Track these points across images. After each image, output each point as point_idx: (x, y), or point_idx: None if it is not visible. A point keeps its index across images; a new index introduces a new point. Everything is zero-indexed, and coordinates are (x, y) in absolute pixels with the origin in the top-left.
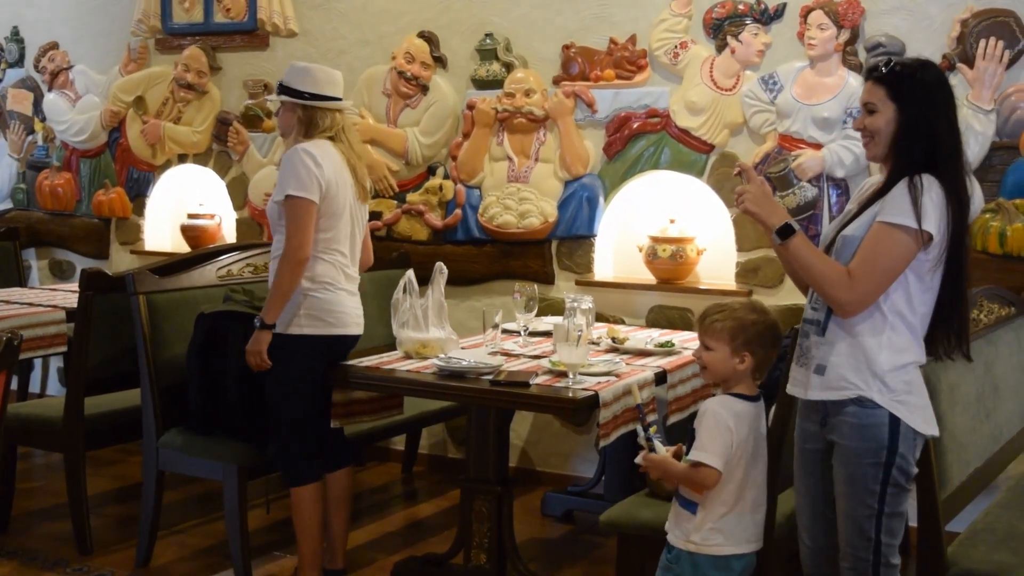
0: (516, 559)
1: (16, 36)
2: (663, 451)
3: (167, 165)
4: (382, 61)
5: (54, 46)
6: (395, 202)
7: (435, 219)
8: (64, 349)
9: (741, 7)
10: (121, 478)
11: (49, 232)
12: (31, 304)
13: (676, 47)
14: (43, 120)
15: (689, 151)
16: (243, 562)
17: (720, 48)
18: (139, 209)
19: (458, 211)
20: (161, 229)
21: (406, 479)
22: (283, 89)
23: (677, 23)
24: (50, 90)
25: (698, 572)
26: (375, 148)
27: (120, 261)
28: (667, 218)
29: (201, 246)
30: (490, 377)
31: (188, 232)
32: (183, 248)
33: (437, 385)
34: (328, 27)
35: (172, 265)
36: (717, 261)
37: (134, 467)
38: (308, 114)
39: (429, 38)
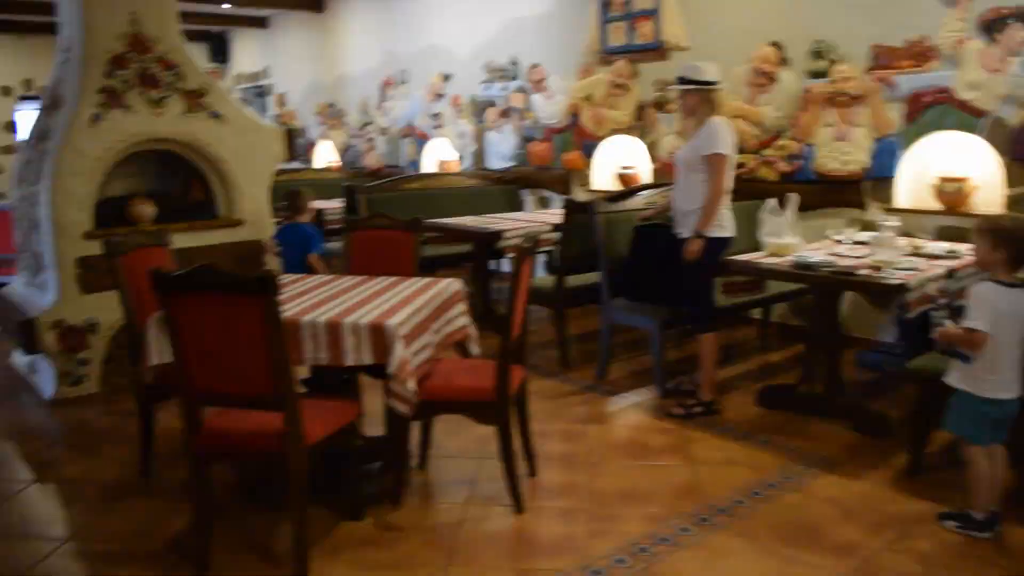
0: (841, 390)
1: (514, 61)
2: (949, 325)
3: (606, 136)
4: (744, 62)
5: (537, 65)
6: (755, 155)
7: (783, 166)
8: (550, 248)
9: (1005, 10)
10: (585, 327)
11: (535, 179)
12: (530, 221)
13: (957, 42)
14: (531, 111)
15: (968, 116)
16: (662, 380)
17: (990, 41)
18: (589, 164)
19: (799, 162)
20: (603, 176)
21: (762, 337)
22: (687, 81)
23: (958, 25)
24: (535, 92)
25: (971, 407)
26: (741, 120)
27: (578, 197)
28: (950, 164)
29: (627, 186)
30: (829, 269)
31: (620, 177)
32: (615, 188)
33: (793, 273)
34: (708, 42)
35: (616, 195)
36: (988, 196)
37: (593, 320)
38: (713, 96)
39: (777, 45)
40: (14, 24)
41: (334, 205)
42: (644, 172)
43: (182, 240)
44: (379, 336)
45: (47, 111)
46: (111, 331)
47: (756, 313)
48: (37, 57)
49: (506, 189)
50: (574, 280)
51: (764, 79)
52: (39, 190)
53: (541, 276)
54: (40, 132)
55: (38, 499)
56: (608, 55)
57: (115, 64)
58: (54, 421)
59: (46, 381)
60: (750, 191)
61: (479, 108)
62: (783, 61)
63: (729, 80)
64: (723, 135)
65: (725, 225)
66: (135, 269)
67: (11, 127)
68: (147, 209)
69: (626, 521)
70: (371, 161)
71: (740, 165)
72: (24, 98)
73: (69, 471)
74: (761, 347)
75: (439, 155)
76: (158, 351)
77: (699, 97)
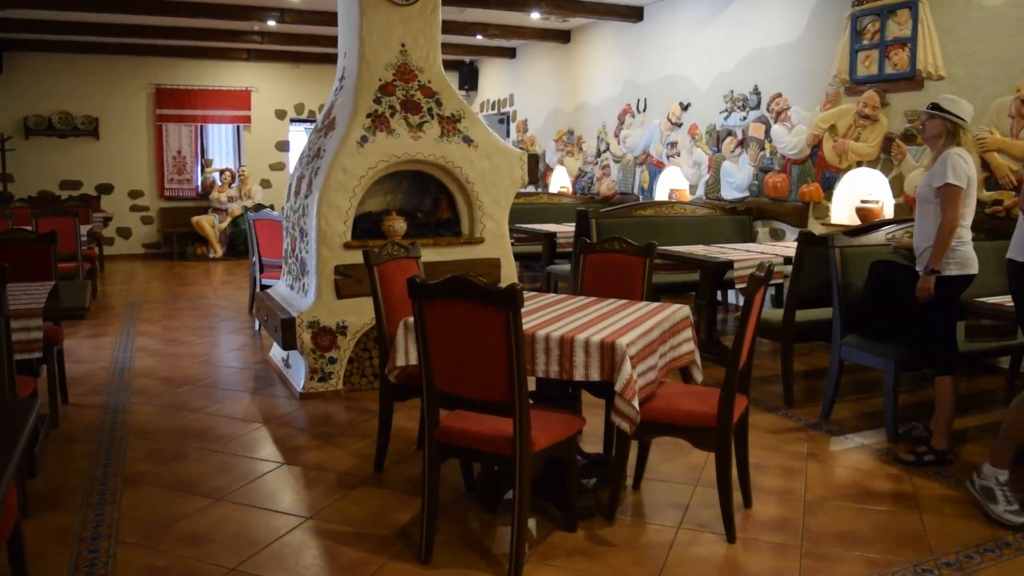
0: None
1: (756, 91)
2: None
3: (848, 168)
4: (1008, 93)
5: (779, 95)
6: (1013, 193)
7: None
8: (780, 281)
9: None
10: (812, 364)
11: (770, 210)
12: (761, 252)
13: None
14: (770, 141)
15: None
16: (892, 423)
17: None
18: (828, 196)
19: None
20: (842, 210)
21: (1008, 389)
22: (937, 107)
23: None
24: (775, 122)
25: None
26: (1000, 155)
27: (814, 230)
28: None
29: (868, 221)
30: None
31: (860, 212)
32: (854, 222)
33: None
34: (968, 72)
35: (856, 230)
36: None
37: (820, 357)
38: (958, 132)
39: None
40: (289, 54)
41: (566, 229)
42: (887, 207)
43: (428, 255)
44: (609, 354)
45: (322, 132)
46: (357, 334)
47: (1004, 362)
48: (307, 83)
49: (738, 219)
50: (803, 315)
51: None
52: (309, 203)
53: (768, 309)
54: (314, 150)
55: (285, 479)
56: (856, 85)
57: (383, 91)
58: (302, 412)
59: (298, 375)
60: (1006, 231)
61: (717, 138)
62: None
63: (990, 112)
64: (958, 166)
65: (964, 262)
66: (388, 278)
67: (284, 146)
68: (399, 224)
69: (841, 562)
70: (604, 188)
71: (997, 202)
72: (295, 120)
73: (312, 458)
74: (1007, 398)
75: (671, 183)
76: (405, 353)
77: (942, 127)
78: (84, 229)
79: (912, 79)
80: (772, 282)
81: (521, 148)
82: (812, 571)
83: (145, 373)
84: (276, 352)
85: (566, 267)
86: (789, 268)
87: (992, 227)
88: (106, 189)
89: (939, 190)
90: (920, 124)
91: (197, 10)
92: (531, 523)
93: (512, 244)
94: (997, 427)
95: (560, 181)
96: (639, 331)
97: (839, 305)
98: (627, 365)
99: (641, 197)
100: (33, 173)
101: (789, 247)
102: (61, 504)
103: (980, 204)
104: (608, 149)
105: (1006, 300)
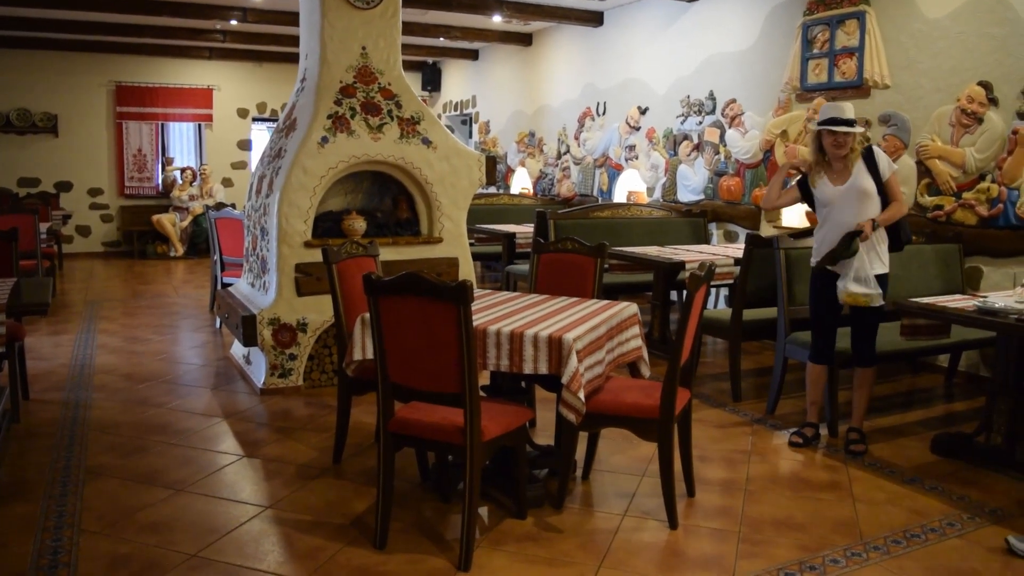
0: (1021, 443)
1: (711, 97)
2: None
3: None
4: (949, 102)
5: (733, 101)
6: (954, 198)
7: (982, 211)
8: (731, 281)
9: None
10: (759, 362)
11: (724, 213)
12: (713, 254)
13: None
14: (725, 145)
15: None
16: (832, 418)
17: None
18: None
19: (1000, 205)
20: (793, 213)
21: (947, 386)
22: (843, 122)
23: None
24: (730, 127)
25: None
26: (941, 162)
27: (766, 232)
28: None
29: (814, 224)
30: (1015, 316)
31: (809, 215)
32: (804, 226)
33: (977, 319)
34: (912, 81)
35: (801, 232)
36: None
37: (767, 356)
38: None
39: (986, 85)
40: (252, 53)
41: (525, 229)
42: None
43: (387, 253)
44: (556, 348)
45: (283, 132)
46: (317, 331)
47: (943, 360)
48: (270, 83)
49: (693, 222)
50: (752, 314)
51: (969, 119)
52: (271, 202)
53: (720, 309)
54: (275, 150)
55: (245, 471)
56: (807, 92)
57: (343, 93)
58: (262, 407)
59: (258, 371)
60: (945, 234)
61: (673, 141)
62: (991, 101)
63: (932, 121)
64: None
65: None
66: (346, 275)
67: (246, 145)
68: (359, 223)
69: (777, 547)
70: (564, 190)
71: (937, 207)
72: (257, 119)
73: (272, 451)
74: (946, 395)
75: (629, 186)
76: (362, 348)
77: (852, 138)
78: (43, 227)
79: (860, 87)
80: (723, 283)
81: (483, 150)
82: (748, 555)
83: (106, 370)
84: (237, 349)
85: (525, 267)
86: (739, 269)
87: (933, 231)
88: (65, 187)
89: (890, 179)
90: (836, 141)
91: (159, 8)
92: (483, 511)
93: (473, 244)
94: (936, 422)
95: (521, 182)
96: (586, 327)
97: (783, 304)
98: (573, 359)
99: (600, 199)
100: None
101: (741, 249)
102: (24, 495)
103: (922, 208)
104: (568, 151)
105: (940, 299)
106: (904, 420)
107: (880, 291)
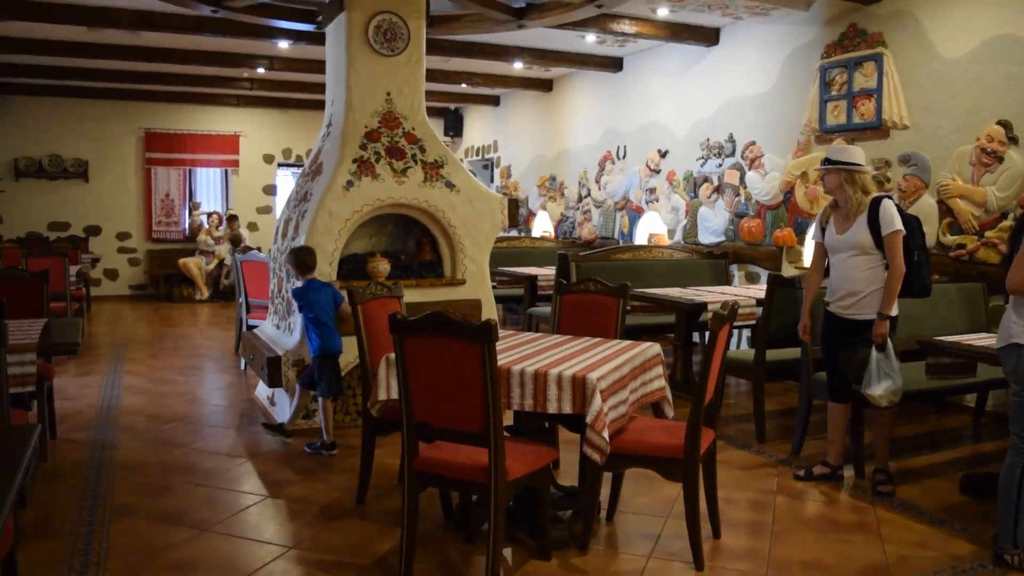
0: None
1: (731, 139)
2: None
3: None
4: (969, 142)
5: (753, 143)
6: (976, 237)
7: (1005, 249)
8: (753, 322)
9: None
10: (783, 403)
11: (745, 254)
12: (734, 295)
13: None
14: (745, 187)
15: None
16: (858, 460)
17: None
18: (801, 240)
19: None
20: (810, 254)
21: (974, 426)
22: (828, 161)
23: None
24: (750, 169)
25: None
26: (963, 201)
27: (788, 273)
28: None
29: None
30: None
31: None
32: None
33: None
34: (931, 122)
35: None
36: None
37: (791, 397)
38: (850, 177)
39: (1005, 124)
40: (277, 100)
41: (547, 272)
42: None
43: (410, 295)
44: (580, 388)
45: (309, 176)
46: (342, 372)
47: (970, 400)
48: (296, 129)
49: (714, 263)
50: (776, 354)
51: (990, 158)
52: (296, 244)
53: (743, 349)
54: (301, 194)
55: (269, 512)
56: (826, 133)
57: (369, 137)
58: (286, 448)
59: (283, 412)
60: (969, 273)
61: (694, 184)
62: (1011, 140)
63: (952, 160)
64: (896, 212)
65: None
66: (371, 317)
67: (271, 190)
68: (383, 265)
69: None
70: (585, 232)
71: (960, 246)
72: (283, 165)
73: (296, 491)
74: (973, 435)
75: (650, 228)
76: (387, 388)
77: (838, 177)
78: (73, 270)
79: (878, 128)
80: (746, 323)
81: (504, 193)
82: None
83: (132, 411)
84: (262, 390)
85: (547, 309)
86: (761, 310)
87: (956, 270)
88: (94, 231)
89: (887, 237)
90: (820, 176)
91: (188, 57)
92: (507, 552)
93: (495, 287)
94: (964, 463)
95: (543, 226)
96: (610, 367)
97: (806, 344)
98: (597, 398)
99: (621, 241)
100: (22, 214)
101: (762, 289)
102: (51, 534)
103: (944, 248)
104: (589, 194)
105: (965, 338)
106: (932, 460)
107: (899, 383)
